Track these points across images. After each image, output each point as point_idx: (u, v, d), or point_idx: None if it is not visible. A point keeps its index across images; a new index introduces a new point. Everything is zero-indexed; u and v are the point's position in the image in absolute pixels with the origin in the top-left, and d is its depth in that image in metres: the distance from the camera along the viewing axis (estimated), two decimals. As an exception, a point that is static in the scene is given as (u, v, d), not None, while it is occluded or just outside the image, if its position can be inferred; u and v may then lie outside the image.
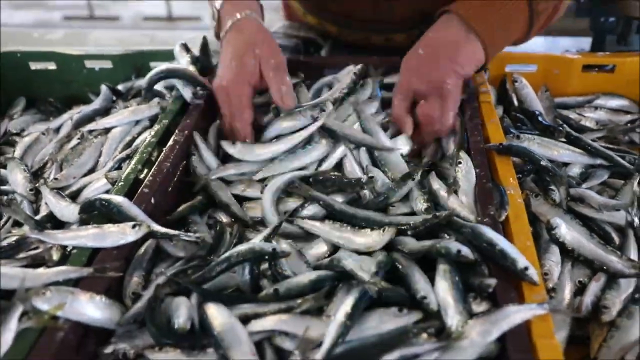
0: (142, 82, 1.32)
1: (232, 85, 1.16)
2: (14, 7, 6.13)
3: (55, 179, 1.14)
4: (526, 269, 0.78)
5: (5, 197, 1.11)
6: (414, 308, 0.77)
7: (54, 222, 1.03)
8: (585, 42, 1.72)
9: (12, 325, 0.72)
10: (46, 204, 1.06)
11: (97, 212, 0.95)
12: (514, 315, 0.72)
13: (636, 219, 0.97)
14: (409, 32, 1.52)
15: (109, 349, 0.78)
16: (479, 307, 0.76)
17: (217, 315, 0.78)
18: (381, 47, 1.55)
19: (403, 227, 0.91)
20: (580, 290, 0.88)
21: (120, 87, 1.45)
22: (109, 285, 0.82)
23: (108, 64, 1.48)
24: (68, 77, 1.50)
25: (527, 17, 1.12)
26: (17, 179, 1.15)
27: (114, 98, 1.41)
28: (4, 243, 0.94)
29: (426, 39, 1.14)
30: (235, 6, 1.21)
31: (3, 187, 1.15)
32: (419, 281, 0.80)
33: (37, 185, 1.11)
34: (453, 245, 0.82)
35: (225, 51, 1.20)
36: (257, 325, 0.79)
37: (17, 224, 1.03)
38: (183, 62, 1.36)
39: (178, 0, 6.26)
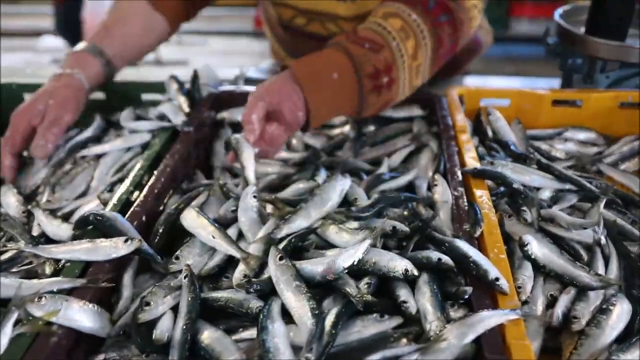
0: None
1: (19, 114, 1.26)
2: (4, 50, 6.15)
3: (48, 201, 1.16)
4: (497, 279, 0.82)
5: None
6: (395, 314, 0.81)
7: (46, 242, 1.03)
8: (556, 82, 1.80)
9: (7, 330, 0.74)
10: (39, 224, 1.06)
11: (89, 229, 0.97)
12: (489, 319, 0.76)
13: (602, 238, 1.01)
14: None
15: (99, 358, 0.80)
16: (456, 313, 0.80)
17: (203, 329, 0.81)
18: None
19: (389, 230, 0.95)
20: (551, 303, 0.91)
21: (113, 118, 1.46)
22: (100, 295, 0.85)
23: (101, 95, 1.51)
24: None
25: (356, 104, 1.21)
26: (10, 202, 1.16)
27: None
28: (2, 257, 0.95)
29: (274, 80, 1.19)
30: (75, 60, 1.35)
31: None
32: (401, 288, 0.84)
33: (29, 207, 1.12)
34: (434, 254, 0.87)
35: (38, 90, 1.31)
36: (244, 334, 0.82)
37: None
38: (173, 93, 1.40)
39: (165, 45, 6.33)
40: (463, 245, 0.89)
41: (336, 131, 1.43)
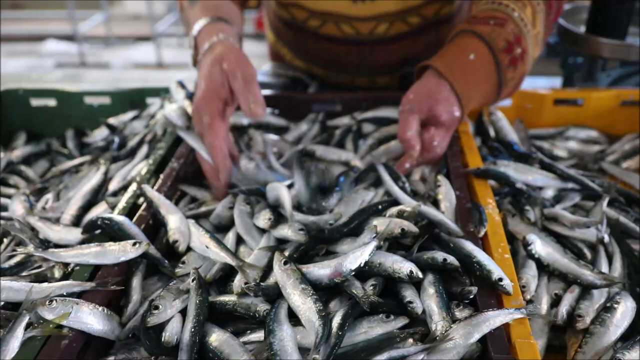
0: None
1: (202, 103, 1.13)
2: (7, 55, 6.21)
3: (43, 208, 1.17)
4: (500, 279, 0.83)
5: (4, 222, 1.13)
6: (400, 315, 0.81)
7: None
8: (557, 81, 1.81)
9: (19, 333, 0.74)
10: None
11: (97, 233, 0.97)
12: (494, 318, 0.76)
13: (605, 236, 1.01)
14: (391, 74, 1.60)
15: (109, 360, 0.81)
16: (461, 313, 0.80)
17: (211, 331, 0.81)
18: (365, 88, 1.63)
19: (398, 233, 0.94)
20: (556, 301, 0.92)
21: (114, 120, 1.48)
22: (109, 298, 0.86)
23: (106, 100, 1.53)
24: (67, 113, 1.54)
25: (495, 82, 1.18)
26: (16, 209, 1.16)
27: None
28: (11, 262, 0.97)
29: (413, 87, 1.17)
30: (209, 32, 1.22)
31: (3, 214, 1.17)
32: (407, 288, 0.84)
33: (25, 217, 1.11)
34: (439, 254, 0.87)
35: (198, 74, 1.19)
36: (252, 336, 0.82)
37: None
38: (179, 97, 1.40)
39: (167, 48, 6.37)
40: (468, 245, 0.89)
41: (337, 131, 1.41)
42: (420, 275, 0.84)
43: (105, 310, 0.81)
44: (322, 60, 1.66)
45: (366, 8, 1.48)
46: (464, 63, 1.14)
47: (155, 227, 1.04)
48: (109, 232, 0.95)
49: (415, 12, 1.49)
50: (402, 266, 0.84)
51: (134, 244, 0.90)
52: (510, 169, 1.15)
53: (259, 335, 0.81)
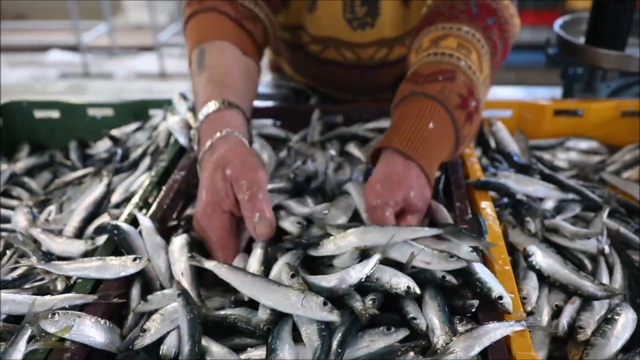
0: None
1: (204, 218, 0.98)
2: (10, 65, 6.23)
3: (47, 220, 1.17)
4: (500, 297, 0.82)
5: (6, 234, 1.13)
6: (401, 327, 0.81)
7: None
8: (557, 91, 1.81)
9: (21, 347, 0.74)
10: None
11: (100, 244, 0.99)
12: (495, 331, 0.76)
13: (606, 247, 1.01)
14: (393, 90, 1.60)
15: (110, 374, 0.81)
16: (463, 327, 0.80)
17: (211, 348, 0.81)
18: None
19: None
20: (557, 313, 0.91)
21: (117, 132, 1.49)
22: (111, 311, 0.86)
23: (109, 112, 1.53)
24: (71, 125, 1.54)
25: (453, 143, 1.07)
26: (19, 221, 1.16)
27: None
28: (14, 274, 0.97)
29: (377, 175, 1.01)
30: (213, 124, 1.06)
31: (5, 226, 1.17)
32: (409, 304, 0.84)
33: (28, 229, 1.11)
34: (438, 271, 0.87)
35: (200, 177, 1.04)
36: (252, 354, 0.81)
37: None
38: (181, 109, 1.41)
39: (170, 57, 6.40)
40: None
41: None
42: (418, 291, 0.83)
43: (107, 323, 0.81)
44: (324, 80, 1.68)
45: (366, 35, 1.50)
46: (425, 135, 1.01)
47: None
48: (115, 239, 0.96)
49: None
50: (400, 281, 0.84)
51: (135, 259, 0.90)
52: (510, 180, 1.15)
53: (260, 353, 0.80)
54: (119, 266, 0.90)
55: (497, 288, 0.83)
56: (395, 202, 0.96)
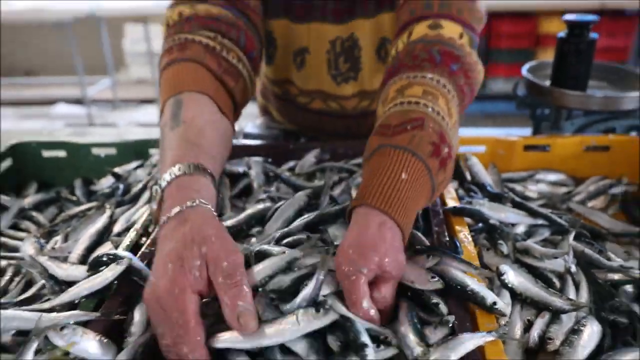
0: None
1: (169, 297, 0.77)
2: (20, 117, 6.28)
3: (53, 248, 1.18)
4: (495, 303, 0.85)
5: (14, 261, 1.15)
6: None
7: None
8: (527, 132, 1.87)
9: (29, 358, 0.76)
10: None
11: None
12: (469, 341, 0.78)
13: (572, 266, 1.04)
14: None
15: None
16: (436, 334, 0.83)
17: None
18: None
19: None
20: (528, 326, 0.93)
21: (119, 169, 1.51)
22: (111, 328, 0.86)
23: (112, 151, 1.56)
24: (76, 163, 1.57)
25: (429, 190, 0.97)
26: (27, 250, 1.17)
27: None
28: (22, 297, 0.99)
29: (349, 239, 0.87)
30: (183, 189, 0.90)
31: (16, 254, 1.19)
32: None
33: (36, 256, 1.11)
34: (435, 298, 0.89)
35: (160, 249, 0.84)
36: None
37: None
38: None
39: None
40: (459, 275, 0.90)
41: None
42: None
43: (107, 340, 0.81)
44: (311, 128, 1.72)
45: (349, 87, 1.56)
46: (399, 187, 0.91)
47: None
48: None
49: None
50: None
51: (117, 263, 0.92)
52: (484, 207, 1.19)
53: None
54: (103, 279, 0.92)
55: (490, 296, 0.86)
56: (368, 269, 0.82)
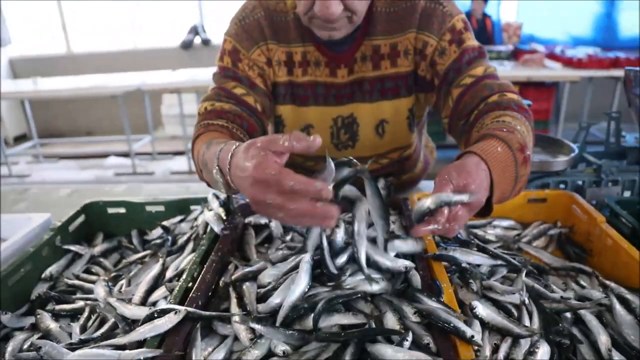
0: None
1: (259, 168, 0.79)
2: (81, 168, 6.31)
3: (120, 291, 1.20)
4: (472, 337, 0.87)
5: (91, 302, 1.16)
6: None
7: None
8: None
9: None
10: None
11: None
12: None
13: (526, 299, 1.05)
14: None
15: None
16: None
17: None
18: None
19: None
20: (495, 349, 0.95)
21: (167, 223, 1.51)
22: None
23: (161, 208, 1.58)
24: (133, 218, 1.58)
25: (513, 178, 1.03)
26: (99, 292, 1.18)
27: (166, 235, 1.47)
28: (98, 332, 1.00)
29: (456, 163, 0.98)
30: (228, 148, 0.93)
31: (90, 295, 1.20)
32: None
33: (106, 298, 1.13)
34: (426, 338, 0.90)
35: (235, 160, 0.87)
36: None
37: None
38: (214, 205, 1.46)
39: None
40: (443, 314, 0.92)
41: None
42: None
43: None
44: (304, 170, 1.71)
45: (348, 153, 1.56)
46: (495, 153, 0.99)
47: (204, 307, 1.05)
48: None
49: (384, 156, 1.58)
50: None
51: (175, 313, 0.94)
52: (457, 252, 1.20)
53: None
54: (167, 323, 0.93)
55: (468, 330, 0.88)
56: (457, 184, 0.90)
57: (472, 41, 1.35)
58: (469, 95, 1.29)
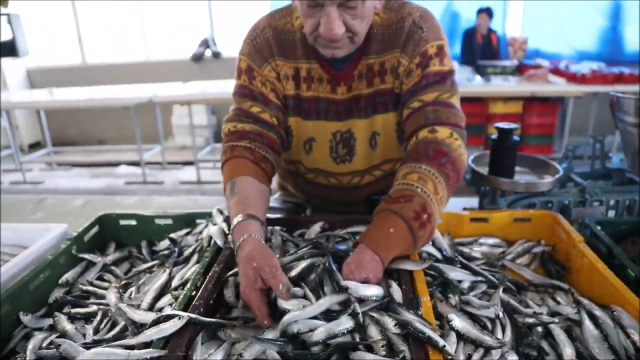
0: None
1: (245, 295, 1.12)
2: (93, 176, 6.46)
3: (130, 298, 1.29)
4: (444, 346, 0.96)
5: (104, 307, 1.26)
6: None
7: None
8: (474, 200, 1.95)
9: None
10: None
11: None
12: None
13: (500, 313, 1.13)
14: (364, 204, 1.76)
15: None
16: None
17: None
18: (346, 212, 1.77)
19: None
20: (468, 359, 1.01)
21: (174, 235, 1.59)
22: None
23: (169, 221, 1.66)
24: (143, 230, 1.67)
25: (410, 241, 1.22)
26: (111, 298, 1.28)
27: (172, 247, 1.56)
28: (110, 334, 1.10)
29: (353, 258, 1.18)
30: (240, 230, 1.22)
31: (103, 300, 1.30)
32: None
33: (117, 304, 1.22)
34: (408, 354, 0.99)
35: (238, 263, 1.20)
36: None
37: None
38: (218, 220, 1.54)
39: (205, 169, 6.58)
40: (418, 324, 1.00)
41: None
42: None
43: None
44: (315, 197, 1.83)
45: (345, 167, 1.65)
46: (386, 236, 1.19)
47: (205, 314, 1.13)
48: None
49: (377, 168, 1.67)
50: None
51: (179, 318, 1.03)
52: (440, 266, 1.29)
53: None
54: (171, 327, 1.03)
55: (441, 341, 0.96)
56: (360, 279, 1.14)
57: (437, 67, 1.40)
58: (411, 119, 1.41)
